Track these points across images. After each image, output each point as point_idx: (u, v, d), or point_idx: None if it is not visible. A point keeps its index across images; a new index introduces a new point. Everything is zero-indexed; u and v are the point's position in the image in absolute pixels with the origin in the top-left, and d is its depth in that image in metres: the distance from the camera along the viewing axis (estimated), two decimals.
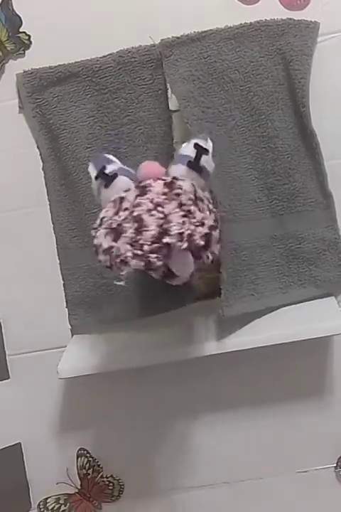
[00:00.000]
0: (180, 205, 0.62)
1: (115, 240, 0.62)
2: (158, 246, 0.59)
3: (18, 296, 0.95)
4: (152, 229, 0.60)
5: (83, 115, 0.88)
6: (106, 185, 0.67)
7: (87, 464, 0.99)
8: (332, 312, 0.86)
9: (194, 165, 0.66)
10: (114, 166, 0.68)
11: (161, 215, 0.61)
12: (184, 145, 0.68)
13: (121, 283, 0.63)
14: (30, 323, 0.95)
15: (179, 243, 0.60)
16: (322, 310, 0.86)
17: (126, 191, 0.65)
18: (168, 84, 0.85)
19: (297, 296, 0.89)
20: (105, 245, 0.63)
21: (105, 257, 0.63)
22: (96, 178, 0.68)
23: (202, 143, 0.67)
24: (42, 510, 1.01)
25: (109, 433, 0.98)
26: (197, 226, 0.61)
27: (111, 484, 1.00)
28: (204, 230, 0.62)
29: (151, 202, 0.62)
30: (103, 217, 0.66)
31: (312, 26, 0.85)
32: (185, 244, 0.60)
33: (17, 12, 0.89)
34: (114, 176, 0.66)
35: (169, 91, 0.86)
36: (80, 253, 0.92)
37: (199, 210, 0.63)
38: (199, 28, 0.85)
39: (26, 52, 0.90)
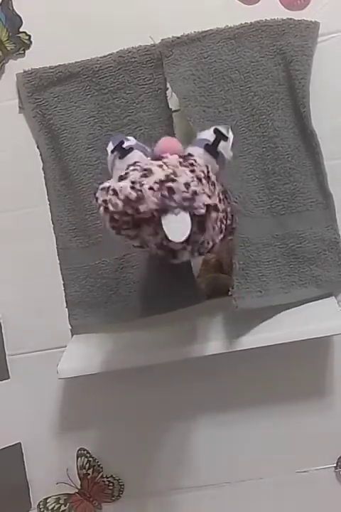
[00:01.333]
0: (192, 171, 0.61)
1: (118, 181, 0.60)
2: (158, 186, 0.58)
3: (18, 296, 0.95)
4: (159, 174, 0.59)
5: (83, 115, 0.88)
6: (121, 157, 0.65)
7: (87, 464, 0.99)
8: (332, 312, 0.86)
9: (211, 149, 0.64)
10: (131, 142, 0.67)
11: (171, 171, 0.59)
12: (203, 131, 0.67)
13: None
14: (30, 323, 0.95)
15: (183, 189, 0.58)
16: (322, 310, 0.86)
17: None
18: (169, 84, 0.85)
19: (298, 295, 0.88)
20: (106, 184, 0.61)
21: (102, 192, 0.60)
22: (113, 151, 0.66)
23: (222, 129, 0.65)
24: (42, 510, 1.01)
25: (109, 433, 0.98)
26: (203, 193, 0.60)
27: (111, 484, 1.00)
28: (209, 201, 0.60)
29: (164, 163, 0.61)
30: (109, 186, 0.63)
31: (313, 26, 0.85)
32: (188, 195, 0.58)
33: (17, 12, 0.90)
34: (129, 150, 0.65)
35: (169, 91, 0.86)
36: (80, 253, 0.92)
37: (210, 187, 0.62)
38: (199, 28, 0.85)
39: (26, 52, 0.90)
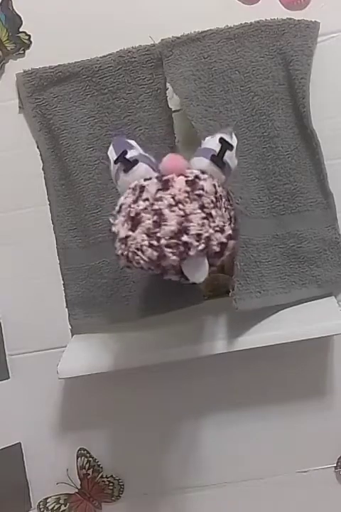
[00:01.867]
0: (202, 206, 0.61)
1: (132, 229, 0.62)
2: (175, 242, 0.59)
3: (18, 296, 0.95)
4: (171, 224, 0.59)
5: (83, 115, 0.88)
6: (126, 171, 0.65)
7: (87, 464, 0.99)
8: (332, 312, 0.86)
9: (217, 160, 0.64)
10: (134, 151, 0.66)
11: (182, 213, 0.60)
12: (207, 138, 0.67)
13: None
14: (30, 323, 0.95)
15: (196, 243, 0.60)
16: (323, 310, 0.86)
17: (146, 180, 0.64)
18: (169, 84, 0.85)
19: (299, 295, 0.88)
20: (122, 234, 0.63)
21: (121, 245, 0.63)
22: (116, 162, 0.66)
23: (227, 137, 0.65)
24: (42, 510, 1.01)
25: (109, 433, 0.98)
26: (216, 231, 0.61)
27: (111, 484, 1.00)
28: (223, 237, 0.62)
29: (173, 198, 0.61)
30: (122, 204, 0.65)
31: (313, 26, 0.85)
32: (202, 246, 0.60)
33: (17, 12, 0.89)
34: (134, 162, 0.65)
35: (169, 91, 0.86)
36: (80, 253, 0.92)
37: (220, 214, 0.63)
38: (199, 28, 0.85)
39: (26, 52, 0.90)
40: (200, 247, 0.60)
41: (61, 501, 1.01)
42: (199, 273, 0.63)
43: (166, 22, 0.87)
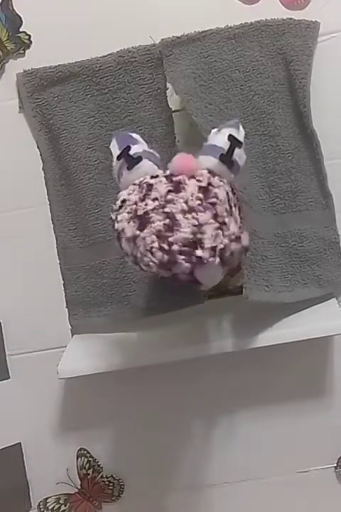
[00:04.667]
0: (215, 216, 0.59)
1: (140, 228, 0.60)
2: (188, 251, 0.58)
3: (18, 296, 0.95)
4: (185, 232, 0.58)
5: (83, 115, 0.88)
6: (129, 168, 0.63)
7: (87, 464, 0.99)
8: (333, 312, 0.86)
9: (226, 159, 0.63)
10: (138, 147, 0.65)
11: (195, 222, 0.58)
12: (214, 131, 0.65)
13: None
14: (30, 323, 0.95)
15: (211, 258, 0.58)
16: (323, 310, 0.86)
17: (153, 178, 0.62)
18: (169, 82, 0.85)
19: (301, 295, 0.88)
20: (129, 233, 0.60)
21: (129, 244, 0.61)
22: (119, 158, 0.64)
23: (235, 133, 0.63)
24: (42, 510, 1.01)
25: (109, 433, 0.98)
26: (231, 241, 0.60)
27: (111, 484, 1.00)
28: (238, 246, 0.61)
29: (186, 203, 0.59)
30: (125, 200, 0.62)
31: (313, 26, 0.85)
32: (217, 260, 0.59)
33: (17, 12, 0.90)
34: (138, 159, 0.63)
35: (169, 91, 0.86)
36: (80, 253, 0.92)
37: (233, 221, 0.61)
38: (199, 27, 0.85)
39: (26, 52, 0.90)
40: (215, 261, 0.58)
41: (61, 501, 1.01)
42: (213, 279, 0.61)
43: (166, 22, 0.87)
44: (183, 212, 0.59)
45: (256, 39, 0.84)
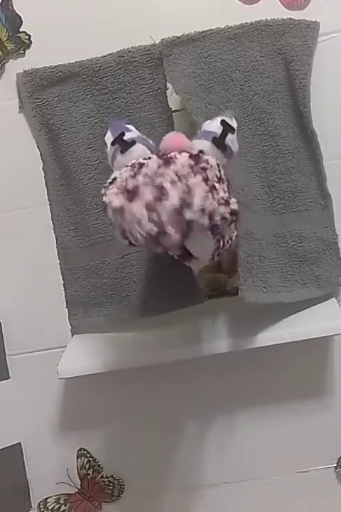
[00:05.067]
0: (206, 179, 0.59)
1: (129, 200, 0.59)
2: (177, 218, 0.57)
3: (18, 296, 0.95)
4: (174, 200, 0.57)
5: (83, 115, 0.88)
6: (123, 151, 0.63)
7: (87, 464, 0.99)
8: (332, 312, 0.86)
9: (219, 142, 0.63)
10: (132, 134, 0.65)
11: (185, 188, 0.57)
12: (207, 122, 0.65)
13: None
14: (30, 323, 0.95)
15: (200, 219, 0.57)
16: (322, 310, 0.86)
17: (146, 159, 0.61)
18: (169, 82, 0.85)
19: (301, 295, 0.88)
20: (117, 203, 0.59)
21: (116, 216, 0.59)
22: (113, 143, 0.64)
23: (228, 120, 0.64)
24: (42, 510, 1.01)
25: (109, 433, 0.98)
26: (220, 204, 0.59)
27: (111, 484, 1.00)
28: (227, 210, 0.59)
29: (176, 174, 0.58)
30: (116, 178, 0.62)
31: (313, 26, 0.85)
32: (207, 221, 0.58)
33: (17, 12, 0.90)
34: (131, 143, 0.63)
35: (169, 91, 0.86)
36: (80, 253, 0.92)
37: (224, 188, 0.60)
38: (199, 27, 0.85)
39: (26, 52, 0.90)
40: (204, 222, 0.57)
41: (61, 501, 1.01)
42: (205, 250, 0.60)
43: (166, 22, 0.87)
44: (173, 182, 0.58)
45: (256, 39, 0.85)
